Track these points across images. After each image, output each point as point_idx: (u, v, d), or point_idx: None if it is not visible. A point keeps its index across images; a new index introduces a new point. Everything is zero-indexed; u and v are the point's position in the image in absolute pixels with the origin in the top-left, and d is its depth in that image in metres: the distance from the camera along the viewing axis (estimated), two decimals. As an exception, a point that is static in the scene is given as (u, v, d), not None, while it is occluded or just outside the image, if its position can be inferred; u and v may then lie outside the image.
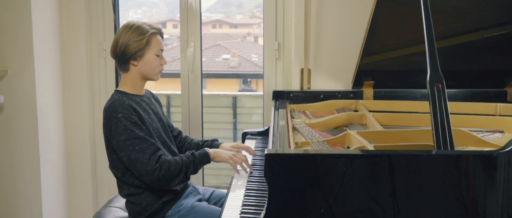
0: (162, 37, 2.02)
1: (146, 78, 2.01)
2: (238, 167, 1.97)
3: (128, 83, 1.99)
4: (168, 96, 4.36)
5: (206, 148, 1.99)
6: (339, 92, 2.57)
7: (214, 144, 2.22)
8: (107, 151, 1.96)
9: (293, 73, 2.72)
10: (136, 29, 1.93)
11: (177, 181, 1.89)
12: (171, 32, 4.77)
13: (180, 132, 2.27)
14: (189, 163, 1.90)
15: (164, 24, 4.79)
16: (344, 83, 2.66)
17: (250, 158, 2.13)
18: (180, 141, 2.24)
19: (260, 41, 4.43)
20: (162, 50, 2.00)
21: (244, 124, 4.46)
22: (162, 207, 1.95)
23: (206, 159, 1.95)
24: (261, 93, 2.99)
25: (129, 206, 1.98)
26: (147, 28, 1.95)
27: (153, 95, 2.15)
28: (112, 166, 1.97)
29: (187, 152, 1.96)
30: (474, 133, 1.77)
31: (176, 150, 2.11)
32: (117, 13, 2.95)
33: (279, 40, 2.83)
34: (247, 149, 2.17)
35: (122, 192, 2.00)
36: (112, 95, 1.97)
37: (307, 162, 1.35)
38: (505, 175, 1.34)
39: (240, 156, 2.00)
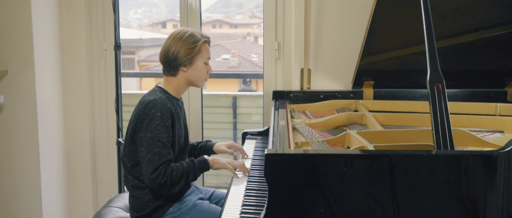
0: (209, 45, 2.08)
1: (191, 84, 2.06)
2: (237, 172, 2.00)
3: (172, 85, 2.03)
4: (168, 96, 4.34)
5: (204, 156, 2.02)
6: (339, 92, 2.57)
7: (208, 144, 2.27)
8: (127, 140, 1.99)
9: (293, 73, 2.72)
10: (189, 37, 1.98)
11: (178, 187, 1.91)
12: (171, 32, 4.76)
13: None
14: (190, 169, 1.93)
15: (164, 24, 4.79)
16: (344, 83, 2.66)
17: (248, 162, 2.14)
18: None
19: (260, 41, 4.43)
20: (209, 58, 2.06)
21: (244, 124, 4.45)
22: (164, 204, 1.97)
23: (205, 166, 1.98)
24: (261, 93, 2.99)
25: (131, 201, 2.01)
26: (199, 37, 2.00)
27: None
28: (125, 155, 2.00)
29: (187, 159, 1.99)
30: (474, 133, 1.77)
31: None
32: (117, 13, 2.95)
33: (279, 40, 2.83)
34: (241, 151, 2.24)
35: (127, 183, 2.03)
36: (155, 90, 2.00)
37: (307, 162, 1.35)
38: (505, 175, 1.34)
39: (238, 162, 2.04)
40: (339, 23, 2.65)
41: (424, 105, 1.70)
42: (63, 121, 3.00)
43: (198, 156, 2.22)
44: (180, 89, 2.06)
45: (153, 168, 1.85)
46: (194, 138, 3.01)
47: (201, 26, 2.93)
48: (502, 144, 1.43)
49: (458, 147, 1.70)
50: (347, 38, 2.63)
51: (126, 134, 2.01)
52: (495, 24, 2.23)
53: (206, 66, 2.04)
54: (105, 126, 3.07)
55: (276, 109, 2.41)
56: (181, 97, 2.11)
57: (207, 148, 2.27)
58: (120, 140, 2.71)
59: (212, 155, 2.21)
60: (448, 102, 1.49)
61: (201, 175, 3.07)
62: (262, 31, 2.92)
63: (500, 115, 2.21)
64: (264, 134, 2.54)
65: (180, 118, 2.04)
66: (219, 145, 2.26)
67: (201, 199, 2.08)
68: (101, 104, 3.06)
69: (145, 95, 1.99)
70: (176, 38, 1.99)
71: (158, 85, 2.05)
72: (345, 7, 2.63)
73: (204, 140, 2.31)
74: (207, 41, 2.05)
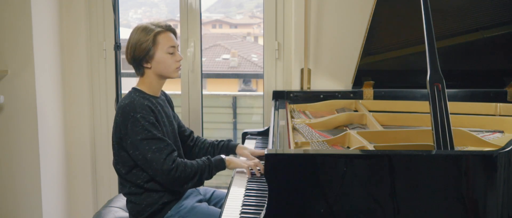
0: (174, 33, 1.98)
1: (163, 77, 1.98)
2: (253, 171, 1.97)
3: (145, 84, 1.98)
4: (168, 97, 4.35)
5: (222, 155, 1.98)
6: (339, 92, 2.57)
7: (230, 144, 2.18)
8: (115, 147, 1.95)
9: (293, 73, 2.72)
10: (142, 31, 1.91)
11: (191, 184, 1.88)
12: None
13: (191, 132, 2.26)
14: (205, 167, 1.90)
15: (164, 24, 4.80)
16: (344, 83, 2.66)
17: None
18: (192, 141, 2.23)
19: (260, 41, 4.42)
20: (174, 46, 1.95)
21: (244, 124, 4.45)
22: (162, 207, 1.95)
23: (222, 165, 1.94)
24: (261, 93, 2.99)
25: (129, 206, 1.98)
26: (152, 28, 1.91)
27: (166, 96, 2.14)
28: (117, 163, 1.96)
29: (203, 157, 1.96)
30: (474, 133, 1.77)
31: (183, 154, 2.10)
32: (117, 13, 2.95)
33: (279, 40, 2.83)
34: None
35: (123, 190, 2.00)
36: (130, 93, 1.95)
37: (307, 162, 1.35)
38: (505, 175, 1.34)
39: (253, 161, 2.00)
40: (339, 23, 2.65)
41: (424, 105, 1.70)
42: (63, 121, 3.00)
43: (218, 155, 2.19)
44: (155, 86, 1.99)
45: (160, 163, 1.82)
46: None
47: (201, 26, 2.93)
48: (502, 144, 1.43)
49: (458, 147, 1.70)
50: (347, 38, 2.63)
51: (113, 141, 1.95)
52: (495, 24, 2.23)
53: (171, 55, 1.93)
54: (105, 126, 3.07)
55: (276, 108, 2.41)
56: (161, 95, 2.06)
57: (230, 147, 2.18)
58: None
59: (230, 155, 2.16)
60: (448, 102, 1.49)
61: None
62: (262, 31, 2.92)
63: (500, 115, 2.21)
64: (264, 134, 2.54)
65: (163, 115, 1.98)
66: (243, 149, 2.14)
67: (200, 200, 2.07)
68: (101, 104, 3.06)
69: (121, 100, 1.93)
70: (132, 35, 1.93)
71: (133, 87, 1.99)
72: (345, 7, 2.63)
73: (226, 140, 2.22)
74: (163, 30, 1.92)
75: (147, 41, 1.90)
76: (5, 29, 2.69)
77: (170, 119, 2.06)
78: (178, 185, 1.88)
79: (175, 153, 1.87)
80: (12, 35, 2.69)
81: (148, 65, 1.93)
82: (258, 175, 1.95)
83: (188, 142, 2.21)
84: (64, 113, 3.00)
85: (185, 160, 1.90)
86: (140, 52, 1.90)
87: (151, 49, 1.90)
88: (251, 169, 1.97)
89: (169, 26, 1.97)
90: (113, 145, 1.96)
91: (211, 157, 1.96)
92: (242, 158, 2.03)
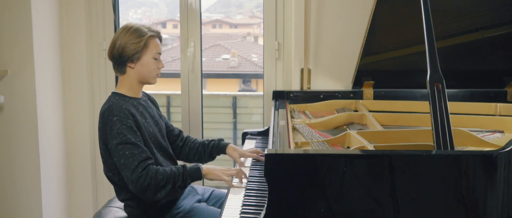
0: (160, 40, 1.99)
1: (142, 81, 1.97)
2: (234, 181, 1.91)
3: (125, 86, 1.96)
4: (168, 96, 4.35)
5: (199, 164, 1.91)
6: (339, 92, 2.57)
7: (221, 144, 2.16)
8: (103, 154, 1.93)
9: (293, 73, 2.72)
10: (134, 32, 1.90)
11: (164, 192, 1.79)
12: (171, 32, 4.76)
13: (180, 132, 2.23)
14: (178, 175, 1.82)
15: (164, 24, 4.79)
16: (344, 83, 2.66)
17: (248, 163, 2.10)
18: (181, 140, 2.20)
19: (260, 41, 4.42)
20: (159, 53, 1.96)
21: (244, 124, 4.45)
22: (161, 209, 1.94)
23: (197, 175, 1.87)
24: (261, 93, 2.99)
25: (127, 210, 1.97)
26: (145, 31, 1.92)
27: (149, 97, 2.12)
28: (108, 170, 1.93)
29: (178, 164, 1.92)
30: (474, 133, 1.77)
31: (172, 153, 2.08)
32: (117, 14, 2.95)
33: (279, 40, 2.83)
34: (256, 154, 2.13)
35: (119, 196, 1.97)
36: (109, 98, 1.93)
37: (307, 162, 1.35)
38: (505, 175, 1.34)
39: (233, 170, 1.94)
40: (339, 23, 2.65)
41: (424, 105, 1.70)
42: (63, 121, 3.00)
43: (209, 154, 2.16)
44: (135, 88, 1.97)
45: (130, 170, 1.77)
46: (196, 137, 3.01)
47: (201, 26, 2.93)
48: (502, 144, 1.43)
49: (458, 147, 1.70)
50: (347, 38, 2.63)
51: (100, 150, 1.93)
52: (495, 24, 2.23)
53: (156, 61, 1.94)
54: (105, 126, 3.07)
55: (276, 108, 2.41)
56: (142, 96, 2.03)
57: (220, 147, 2.15)
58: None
59: (206, 164, 2.10)
60: (448, 102, 1.49)
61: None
62: (262, 31, 2.92)
63: (500, 115, 2.21)
64: (264, 134, 2.54)
65: (145, 116, 1.95)
66: (234, 151, 2.13)
67: (199, 200, 2.06)
68: (101, 105, 3.06)
69: (102, 105, 1.92)
70: (122, 33, 1.91)
71: (112, 92, 1.97)
72: (345, 7, 2.63)
73: (217, 139, 2.19)
74: (154, 35, 1.94)
75: (138, 43, 1.89)
76: (5, 29, 2.69)
77: (156, 118, 2.03)
78: (150, 194, 1.78)
79: (149, 161, 1.81)
80: (12, 35, 2.69)
81: (132, 66, 1.93)
82: (242, 185, 1.89)
83: (177, 142, 2.19)
84: (64, 113, 3.00)
85: (158, 166, 1.83)
86: (128, 52, 1.89)
87: (140, 52, 1.91)
88: (236, 180, 1.91)
89: (159, 32, 1.99)
90: (101, 153, 1.94)
91: (204, 157, 1.93)
92: (222, 168, 1.93)
